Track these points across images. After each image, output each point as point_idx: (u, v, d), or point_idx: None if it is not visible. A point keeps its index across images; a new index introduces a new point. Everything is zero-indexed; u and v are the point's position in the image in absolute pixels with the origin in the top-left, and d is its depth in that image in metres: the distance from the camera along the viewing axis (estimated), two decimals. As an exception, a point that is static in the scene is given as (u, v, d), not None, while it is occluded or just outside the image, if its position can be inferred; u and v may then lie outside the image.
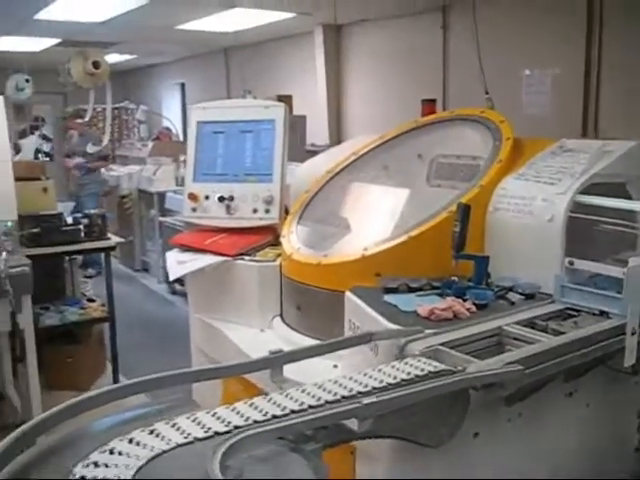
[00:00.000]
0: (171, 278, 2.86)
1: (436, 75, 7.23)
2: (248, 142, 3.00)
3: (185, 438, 1.10)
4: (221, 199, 2.97)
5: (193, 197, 3.03)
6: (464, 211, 2.20)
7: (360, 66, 8.52)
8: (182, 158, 8.89)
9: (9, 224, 3.65)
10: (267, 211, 2.93)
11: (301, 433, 1.19)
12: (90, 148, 6.34)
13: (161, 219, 7.76)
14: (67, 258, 5.19)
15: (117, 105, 11.75)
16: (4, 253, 3.43)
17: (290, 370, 1.63)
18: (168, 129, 10.07)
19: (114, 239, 4.95)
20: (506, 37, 6.14)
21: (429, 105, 3.94)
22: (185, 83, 13.47)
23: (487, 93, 3.56)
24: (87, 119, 6.44)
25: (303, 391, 1.30)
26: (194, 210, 3.05)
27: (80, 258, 5.84)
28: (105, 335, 5.31)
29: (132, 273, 8.80)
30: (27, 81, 7.34)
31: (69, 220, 4.74)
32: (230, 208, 2.96)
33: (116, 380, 5.08)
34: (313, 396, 1.27)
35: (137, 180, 8.54)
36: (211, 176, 3.05)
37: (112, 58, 10.08)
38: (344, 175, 3.01)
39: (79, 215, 4.84)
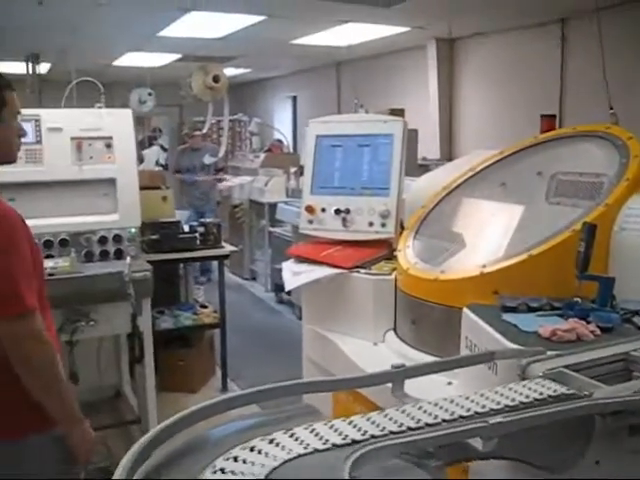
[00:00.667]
0: (287, 289, 2.92)
1: (552, 89, 7.06)
2: (366, 156, 3.03)
3: (305, 448, 1.12)
4: (337, 212, 3.01)
5: (310, 209, 3.08)
6: (590, 230, 2.13)
7: (473, 80, 8.43)
8: (293, 170, 9.08)
9: (133, 230, 3.84)
10: (383, 225, 2.95)
11: (422, 450, 1.19)
12: (207, 159, 6.58)
13: (271, 229, 7.95)
14: (181, 265, 5.39)
15: (231, 117, 12.10)
16: (128, 258, 3.61)
17: (407, 386, 1.63)
18: (280, 141, 10.29)
19: (228, 247, 5.11)
20: (631, 49, 5.93)
21: (548, 121, 3.84)
22: (296, 96, 13.73)
23: (611, 108, 3.44)
24: (205, 131, 6.68)
25: (435, 405, 1.29)
26: (310, 222, 3.11)
27: (195, 265, 6.04)
28: (215, 340, 5.49)
29: (240, 281, 9.03)
30: (150, 94, 7.73)
31: (186, 228, 4.93)
32: (346, 221, 3.00)
33: (225, 384, 5.23)
34: (430, 414, 1.27)
35: (248, 191, 8.77)
36: (328, 189, 3.10)
37: (228, 72, 10.39)
38: (460, 191, 2.98)
39: (195, 224, 5.02)
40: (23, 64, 9.32)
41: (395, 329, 2.73)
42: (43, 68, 9.79)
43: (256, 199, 8.56)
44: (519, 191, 2.99)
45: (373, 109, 7.33)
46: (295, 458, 1.08)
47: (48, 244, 3.65)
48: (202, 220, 5.17)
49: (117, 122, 3.86)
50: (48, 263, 3.47)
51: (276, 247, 7.81)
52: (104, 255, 3.76)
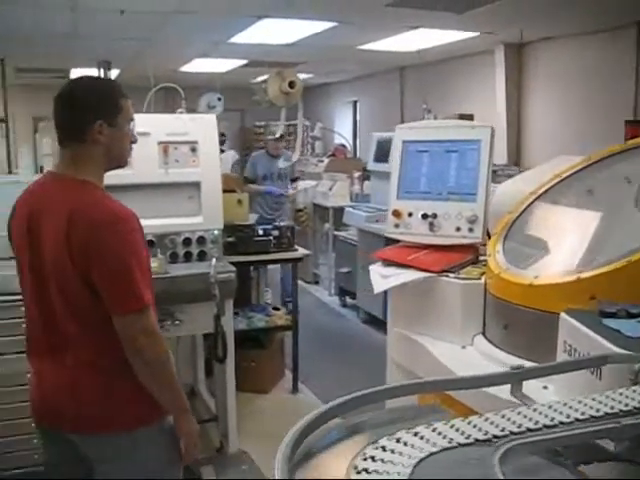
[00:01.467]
0: (376, 291, 2.96)
1: (627, 94, 6.93)
2: (453, 162, 3.06)
3: (449, 442, 1.16)
4: (424, 216, 3.04)
5: (397, 214, 3.12)
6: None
7: (542, 85, 8.35)
8: (356, 174, 9.14)
9: (216, 233, 3.94)
10: (470, 230, 2.97)
11: (551, 449, 1.22)
12: (282, 164, 6.66)
13: (335, 233, 8.01)
14: (252, 267, 5.49)
15: (292, 122, 12.22)
16: (214, 260, 3.71)
17: (499, 388, 1.65)
18: (343, 146, 10.36)
19: (301, 251, 5.18)
20: None
21: (633, 127, 3.79)
22: (357, 101, 13.79)
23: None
24: (278, 136, 6.78)
25: (565, 405, 1.32)
26: (397, 226, 3.14)
27: (266, 268, 6.13)
28: (285, 343, 5.56)
29: (303, 284, 9.09)
30: (219, 99, 7.86)
31: (260, 231, 5.01)
32: (433, 226, 3.03)
33: (295, 386, 5.29)
34: (561, 413, 1.29)
35: (312, 195, 8.86)
36: (414, 194, 3.13)
37: (292, 77, 10.57)
38: (547, 197, 2.98)
39: (269, 227, 5.11)
40: (95, 70, 9.60)
41: (484, 332, 2.75)
42: (112, 74, 10.08)
43: (320, 203, 8.64)
44: (607, 198, 2.98)
45: (441, 114, 7.34)
46: (441, 451, 1.13)
47: (136, 245, 3.77)
48: (276, 224, 5.25)
49: (202, 127, 3.96)
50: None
51: (340, 251, 7.87)
52: (188, 256, 3.86)
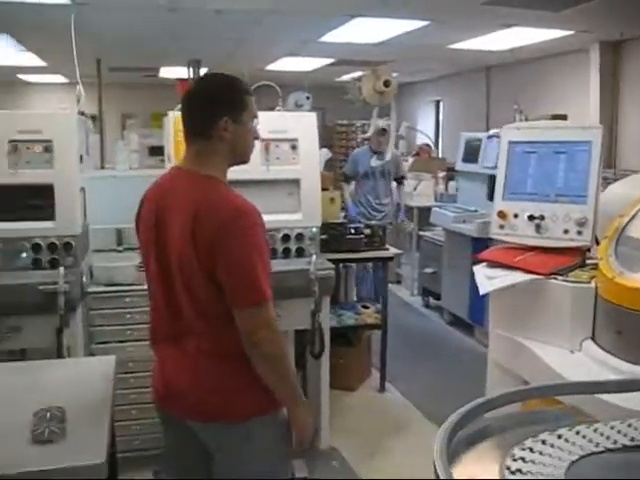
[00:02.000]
0: (481, 292, 2.94)
1: None
2: (562, 163, 3.01)
3: (595, 447, 1.16)
4: (531, 218, 3.01)
5: (502, 215, 3.10)
6: None
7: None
8: (441, 174, 9.08)
9: (314, 230, 3.99)
10: (579, 233, 2.92)
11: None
12: (374, 162, 6.67)
13: (420, 233, 7.97)
14: (341, 265, 5.52)
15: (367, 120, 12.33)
16: (314, 256, 3.76)
17: (615, 396, 1.63)
18: (428, 145, 10.30)
19: (392, 250, 5.20)
20: None
21: None
22: (441, 100, 13.69)
23: None
24: (369, 134, 6.80)
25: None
26: (502, 227, 3.12)
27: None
28: (372, 341, 5.59)
29: (385, 284, 9.10)
30: (307, 98, 7.95)
31: (352, 229, 5.04)
32: (540, 227, 3.00)
33: (383, 385, 5.31)
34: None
35: (396, 194, 8.83)
36: (521, 195, 3.11)
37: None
38: (660, 200, 2.91)
39: (361, 225, 5.14)
40: (185, 69, 9.84)
41: (594, 337, 2.70)
42: (201, 73, 10.30)
43: (404, 202, 8.60)
44: None
45: (532, 115, 7.20)
46: (590, 454, 1.13)
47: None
48: (367, 222, 5.28)
49: (302, 125, 4.02)
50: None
51: (425, 251, 7.83)
52: (286, 252, 3.93)
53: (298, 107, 8.29)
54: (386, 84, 5.11)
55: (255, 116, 2.24)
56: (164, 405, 2.28)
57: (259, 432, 2.16)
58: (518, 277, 2.84)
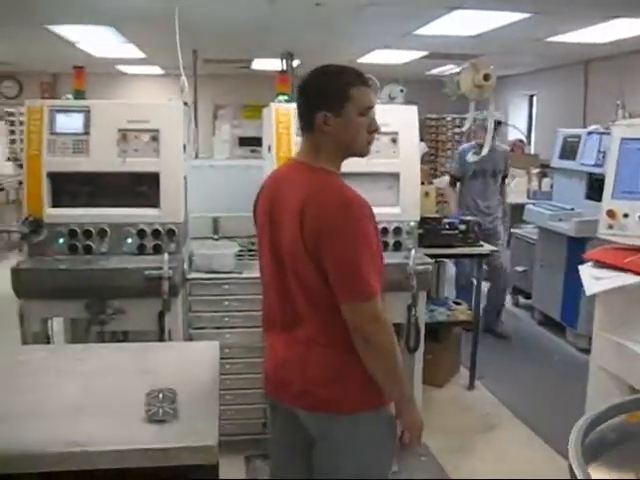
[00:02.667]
0: (588, 293, 2.86)
1: None
2: (678, 162, 2.91)
3: None
4: (643, 218, 2.92)
5: (611, 214, 3.01)
6: None
7: None
8: (534, 171, 8.86)
9: (412, 224, 3.97)
10: (697, 235, 2.81)
11: None
12: (470, 157, 6.54)
13: (512, 230, 7.81)
14: (433, 260, 5.46)
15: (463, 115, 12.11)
16: (413, 250, 3.75)
17: None
18: (521, 141, 10.07)
19: (487, 247, 5.12)
20: None
21: None
22: (534, 95, 13.35)
23: None
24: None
25: None
26: (610, 227, 3.03)
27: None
28: (461, 338, 5.53)
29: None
30: (401, 91, 7.88)
31: (447, 225, 4.99)
32: (652, 228, 2.90)
33: (472, 383, 5.25)
34: None
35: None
36: (632, 194, 3.00)
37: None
38: None
39: (456, 221, 5.08)
40: (278, 61, 9.95)
41: None
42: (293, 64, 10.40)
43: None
44: None
45: (638, 111, 6.93)
46: None
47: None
48: (462, 218, 5.21)
49: (402, 118, 4.00)
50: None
51: (516, 248, 7.67)
52: (384, 246, 3.90)
53: (391, 100, 8.25)
54: (486, 78, 4.98)
55: (368, 107, 2.19)
56: (273, 391, 2.32)
57: (364, 426, 2.16)
58: (629, 279, 2.75)
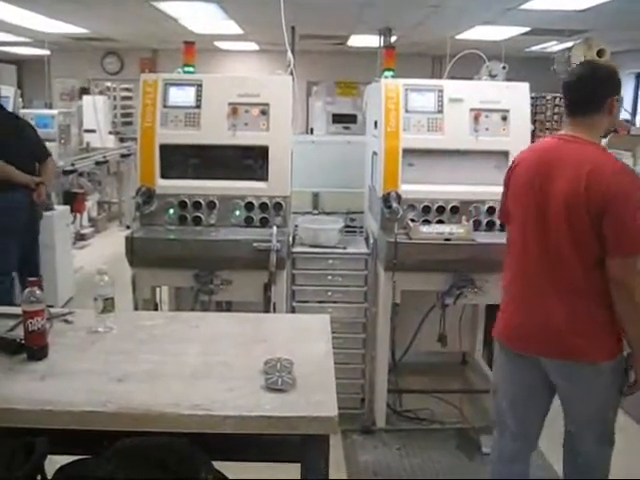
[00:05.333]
0: None
1: None
2: None
3: None
4: None
5: None
6: None
7: None
8: (641, 153, 8.46)
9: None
10: None
11: None
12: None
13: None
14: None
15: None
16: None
17: None
18: (628, 121, 9.65)
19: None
20: None
21: None
22: (641, 73, 12.76)
23: None
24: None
25: None
26: None
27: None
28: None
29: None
30: (504, 68, 7.67)
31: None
32: None
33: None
34: None
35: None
36: None
37: (558, 47, 10.00)
38: None
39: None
40: (374, 37, 9.85)
41: None
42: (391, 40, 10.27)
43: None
44: None
45: None
46: None
47: (440, 210, 3.82)
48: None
49: (514, 95, 3.89)
50: (444, 229, 3.65)
51: None
52: (490, 225, 3.84)
53: (492, 78, 8.04)
54: (599, 54, 4.82)
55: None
56: (514, 343, 2.65)
57: (605, 375, 2.48)
58: None
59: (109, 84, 12.65)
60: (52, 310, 2.52)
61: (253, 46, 13.62)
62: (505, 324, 2.71)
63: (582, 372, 2.48)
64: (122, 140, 11.06)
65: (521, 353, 2.63)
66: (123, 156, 10.00)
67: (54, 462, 1.98)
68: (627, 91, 13.15)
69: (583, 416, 2.62)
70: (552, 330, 2.48)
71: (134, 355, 2.24)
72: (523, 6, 7.59)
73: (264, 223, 3.78)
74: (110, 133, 10.73)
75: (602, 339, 2.46)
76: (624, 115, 10.12)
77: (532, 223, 2.54)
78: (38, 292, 2.15)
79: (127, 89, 12.62)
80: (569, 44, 9.40)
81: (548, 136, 2.76)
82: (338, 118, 10.93)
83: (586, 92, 2.50)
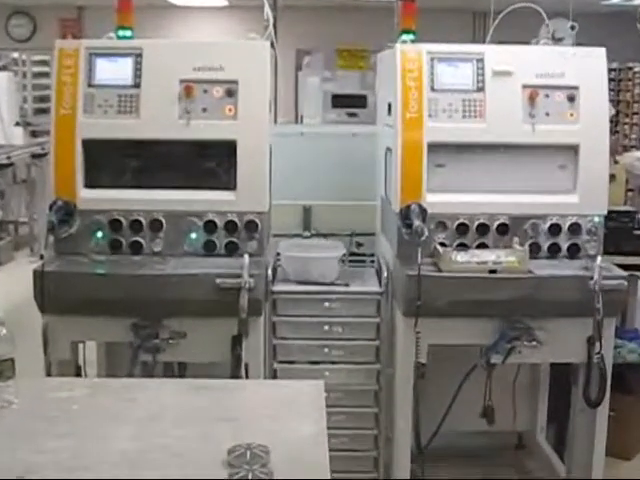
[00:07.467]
0: None
1: None
2: None
3: None
4: None
5: None
6: None
7: None
8: None
9: (596, 219, 3.84)
10: None
11: None
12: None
13: None
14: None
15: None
16: (598, 258, 3.64)
17: None
18: None
19: None
20: None
21: None
22: None
23: None
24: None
25: None
26: None
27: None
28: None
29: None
30: (572, 28, 7.75)
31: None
32: None
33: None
34: None
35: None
36: None
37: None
38: None
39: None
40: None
41: None
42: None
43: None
44: None
45: None
46: None
47: (482, 229, 3.81)
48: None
49: (584, 66, 3.89)
50: (488, 256, 3.65)
51: None
52: (553, 251, 3.82)
53: (555, 42, 8.11)
54: None
55: None
56: None
57: None
58: None
59: (16, 55, 12.69)
60: None
61: (220, 1, 13.69)
62: None
63: None
64: (35, 134, 11.07)
65: None
66: (35, 157, 9.98)
67: None
68: None
69: None
70: None
71: (42, 440, 2.21)
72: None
73: (231, 250, 3.78)
74: (17, 125, 10.74)
75: None
76: None
77: None
78: None
79: (42, 62, 12.64)
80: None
81: None
82: (340, 101, 10.99)
83: None
